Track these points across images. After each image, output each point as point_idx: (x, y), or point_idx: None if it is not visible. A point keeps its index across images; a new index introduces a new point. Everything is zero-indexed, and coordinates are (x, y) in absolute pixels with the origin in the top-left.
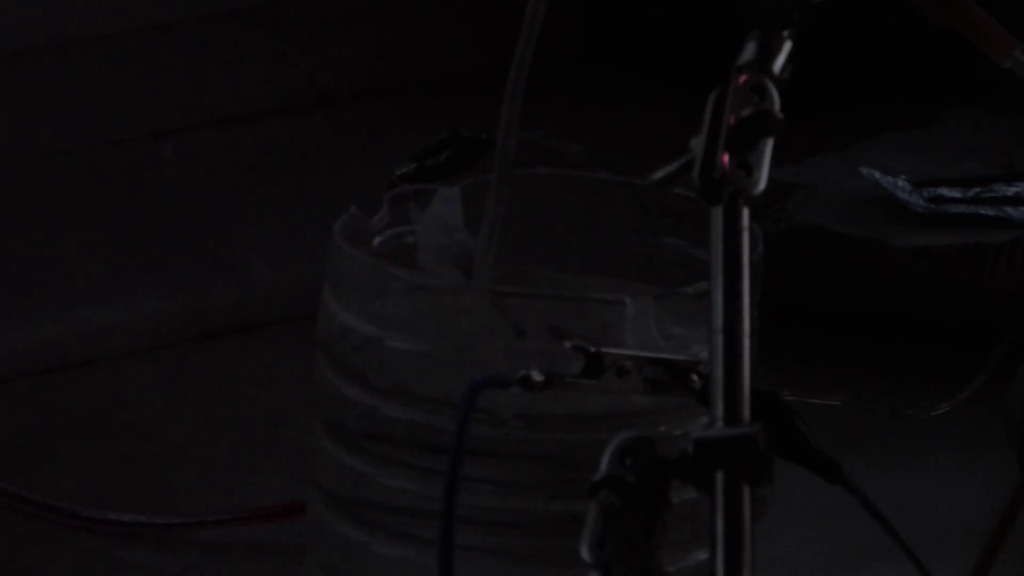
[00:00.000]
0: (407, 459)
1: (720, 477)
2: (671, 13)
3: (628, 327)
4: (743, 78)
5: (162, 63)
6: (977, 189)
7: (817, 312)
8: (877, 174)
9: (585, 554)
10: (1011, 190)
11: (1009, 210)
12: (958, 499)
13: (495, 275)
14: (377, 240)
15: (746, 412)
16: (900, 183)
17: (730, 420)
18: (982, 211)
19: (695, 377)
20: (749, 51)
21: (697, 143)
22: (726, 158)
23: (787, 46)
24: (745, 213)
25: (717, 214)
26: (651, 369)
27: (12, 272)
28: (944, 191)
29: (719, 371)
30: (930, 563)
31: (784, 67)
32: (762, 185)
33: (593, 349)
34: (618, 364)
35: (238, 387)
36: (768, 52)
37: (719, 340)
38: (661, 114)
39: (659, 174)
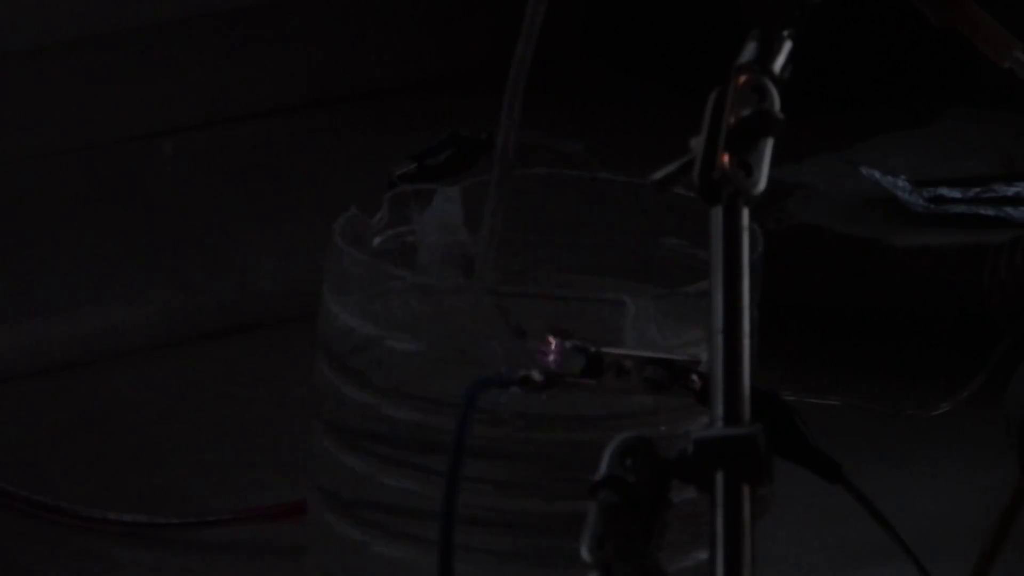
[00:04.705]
0: (407, 459)
1: (720, 477)
2: (671, 13)
3: (628, 327)
4: (743, 78)
5: (162, 63)
6: (977, 189)
7: (817, 312)
8: (877, 174)
9: (585, 554)
10: (1011, 190)
11: (1009, 210)
12: (958, 499)
13: (495, 275)
14: (377, 240)
15: (746, 412)
16: (900, 183)
17: (730, 420)
18: (982, 211)
19: (695, 377)
20: (749, 51)
21: (697, 143)
22: (726, 158)
23: (787, 46)
24: (745, 213)
25: (717, 214)
26: (651, 369)
27: (12, 272)
28: (944, 191)
29: (719, 371)
30: (930, 563)
31: (784, 67)
32: (762, 185)
33: (593, 349)
34: (618, 364)
35: (238, 387)
36: (768, 52)
37: (719, 340)
38: (661, 114)
39: (659, 174)
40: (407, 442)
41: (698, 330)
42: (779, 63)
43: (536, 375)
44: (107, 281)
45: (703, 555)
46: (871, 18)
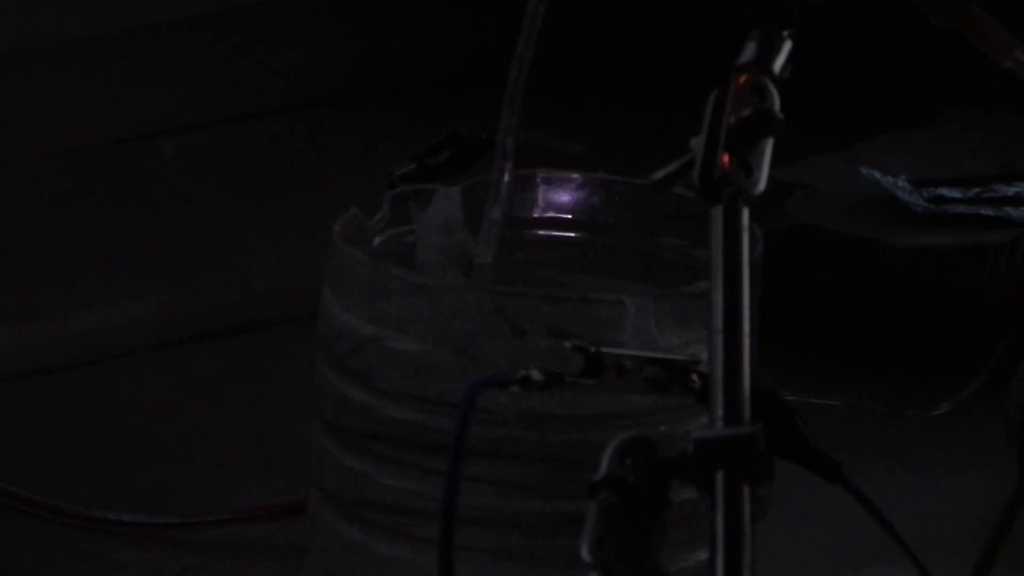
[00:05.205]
0: (407, 459)
1: (720, 477)
2: (671, 13)
3: (628, 327)
4: (743, 78)
5: (162, 63)
6: (977, 189)
7: (817, 312)
8: (877, 174)
9: (585, 554)
10: (1011, 190)
11: (1009, 210)
12: (958, 499)
13: (495, 275)
14: (377, 240)
15: (746, 412)
16: (900, 183)
17: (730, 420)
18: (982, 211)
19: (695, 377)
20: (749, 51)
21: (697, 143)
22: (726, 158)
23: (787, 46)
24: (745, 213)
25: (717, 214)
26: (651, 369)
27: (12, 272)
28: (944, 191)
29: (719, 371)
30: (930, 563)
31: (784, 67)
32: (762, 185)
33: (593, 349)
34: (618, 364)
35: (238, 387)
36: (768, 52)
37: (719, 340)
38: (661, 114)
39: (659, 174)
40: (407, 442)
41: (698, 330)
42: (779, 63)
43: (536, 375)
44: (107, 281)
45: (703, 555)
46: (871, 18)
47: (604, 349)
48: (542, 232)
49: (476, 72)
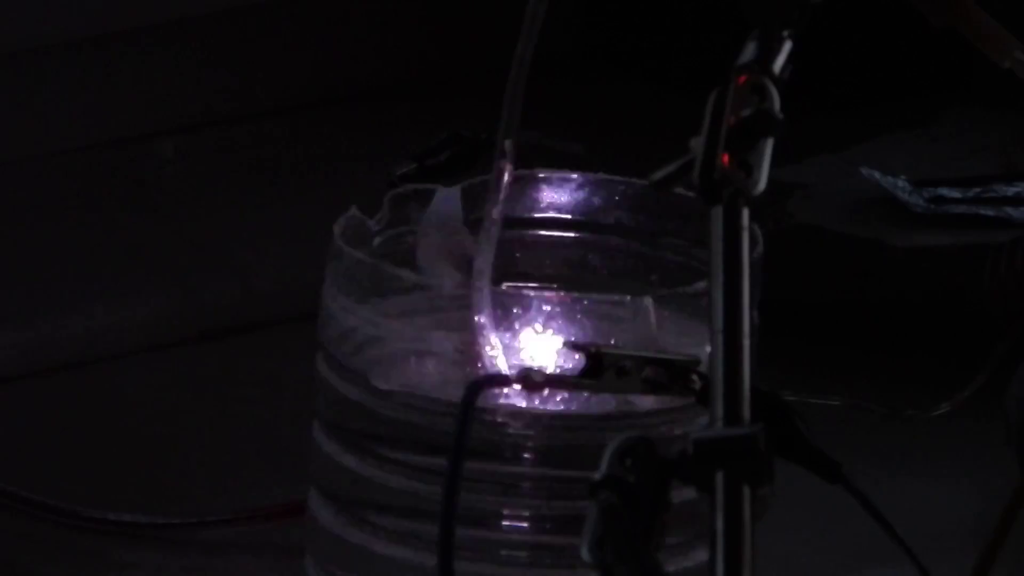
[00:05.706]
0: (407, 459)
1: (720, 477)
2: (671, 13)
3: (628, 327)
4: (743, 78)
5: (162, 63)
6: (977, 189)
7: (817, 312)
8: (877, 174)
9: (585, 554)
10: (1011, 190)
11: (1009, 210)
12: (958, 499)
13: (495, 275)
14: (377, 240)
15: (746, 412)
16: (900, 183)
17: (730, 420)
18: (982, 211)
19: (695, 377)
20: (749, 51)
21: (697, 143)
22: (726, 158)
23: (787, 46)
24: (745, 213)
25: (717, 214)
26: (651, 369)
27: (12, 272)
28: (944, 191)
29: (719, 371)
30: (930, 563)
31: (784, 67)
32: (762, 185)
33: (593, 349)
34: (618, 364)
35: (238, 387)
36: (768, 52)
37: (719, 340)
38: (661, 114)
39: (659, 174)
40: (407, 442)
41: (698, 330)
42: (779, 63)
43: (536, 375)
44: (107, 281)
45: (703, 555)
46: (871, 18)
47: (604, 349)
48: (542, 232)
49: (476, 72)
